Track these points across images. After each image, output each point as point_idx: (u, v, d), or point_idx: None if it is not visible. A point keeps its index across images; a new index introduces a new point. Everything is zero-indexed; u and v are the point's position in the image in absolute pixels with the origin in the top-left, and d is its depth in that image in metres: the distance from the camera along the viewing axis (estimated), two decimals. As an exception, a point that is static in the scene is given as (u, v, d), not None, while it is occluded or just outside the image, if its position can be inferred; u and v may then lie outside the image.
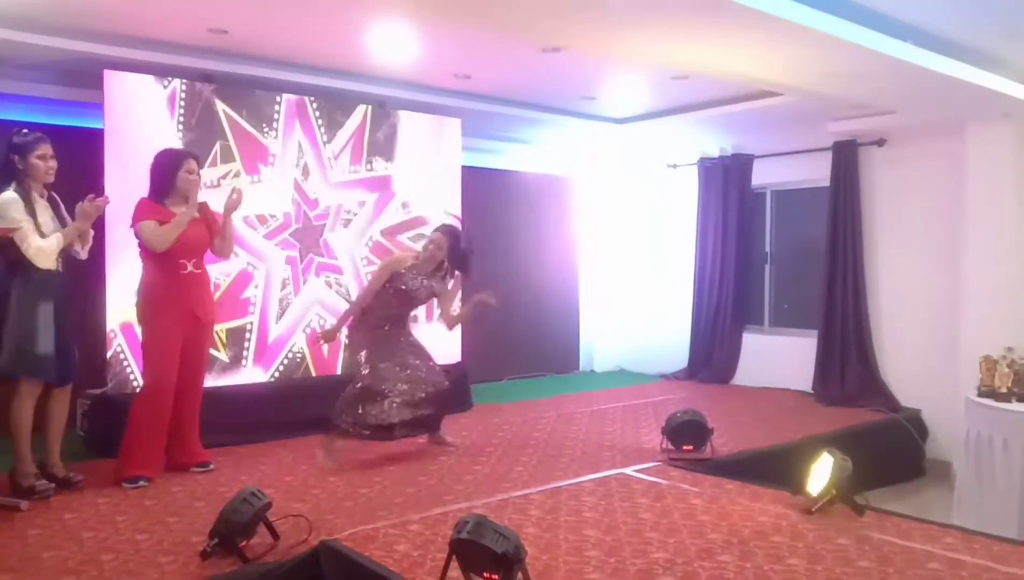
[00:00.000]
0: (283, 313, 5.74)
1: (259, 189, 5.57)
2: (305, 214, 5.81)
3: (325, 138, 5.90)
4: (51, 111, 5.38)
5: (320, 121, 5.88)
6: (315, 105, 5.84)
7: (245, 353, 5.55)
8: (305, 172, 5.81)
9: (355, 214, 6.07)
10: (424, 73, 5.71)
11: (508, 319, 7.89)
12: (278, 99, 5.67)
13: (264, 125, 5.62)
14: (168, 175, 4.30)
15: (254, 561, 3.11)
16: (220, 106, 5.39)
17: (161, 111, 5.16)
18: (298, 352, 5.79)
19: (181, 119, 5.24)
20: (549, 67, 5.44)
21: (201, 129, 5.32)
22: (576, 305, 8.82)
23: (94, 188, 4.60)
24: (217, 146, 5.39)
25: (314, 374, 5.83)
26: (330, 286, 5.96)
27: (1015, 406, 4.77)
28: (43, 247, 3.91)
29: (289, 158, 5.74)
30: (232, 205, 4.47)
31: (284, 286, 5.74)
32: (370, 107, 6.08)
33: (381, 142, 6.17)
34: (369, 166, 6.13)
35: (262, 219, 5.61)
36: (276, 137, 5.67)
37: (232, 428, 5.05)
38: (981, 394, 5.01)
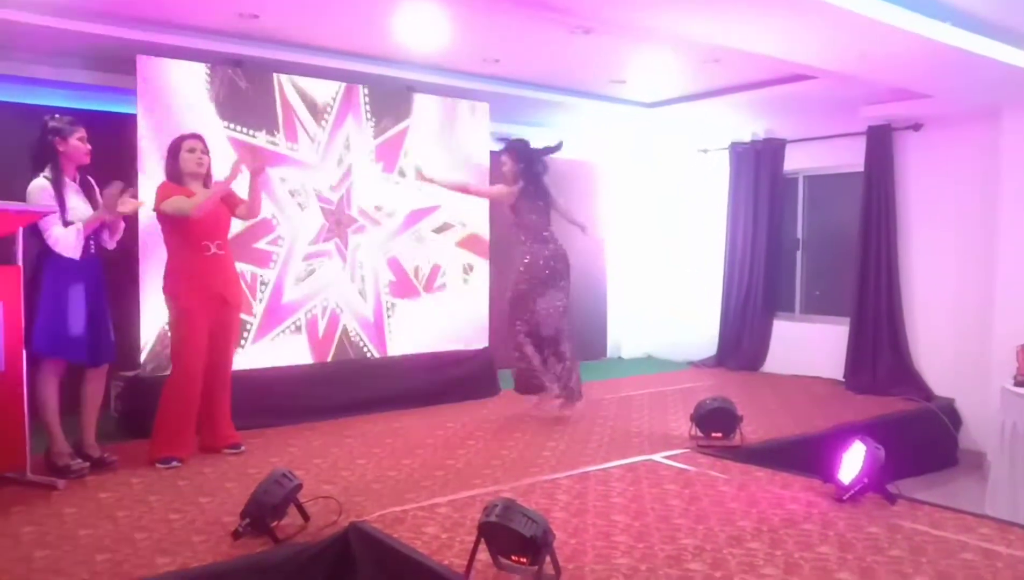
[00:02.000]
0: (306, 278, 5.70)
1: (298, 168, 5.62)
2: (334, 201, 5.84)
3: (371, 130, 5.96)
4: (84, 96, 5.44)
5: (368, 112, 5.95)
6: (366, 95, 5.92)
7: (256, 307, 5.46)
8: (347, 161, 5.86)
9: (390, 214, 6.09)
10: (453, 57, 5.69)
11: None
12: (334, 89, 5.75)
13: (312, 107, 5.70)
14: (173, 158, 4.38)
15: (285, 541, 3.14)
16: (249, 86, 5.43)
17: (194, 94, 5.20)
18: (308, 319, 5.72)
19: (213, 101, 5.27)
20: (579, 50, 5.39)
21: (235, 109, 5.36)
22: (604, 291, 8.79)
23: (127, 173, 4.67)
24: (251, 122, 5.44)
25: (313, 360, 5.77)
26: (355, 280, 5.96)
27: (1053, 396, 4.68)
28: (61, 238, 3.97)
29: (334, 141, 5.80)
30: (255, 169, 4.43)
31: (311, 255, 5.70)
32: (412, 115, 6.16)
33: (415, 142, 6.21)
34: (403, 173, 6.16)
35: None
36: (325, 120, 5.74)
37: (263, 411, 5.10)
38: (1017, 383, 4.92)
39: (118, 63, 5.11)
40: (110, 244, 4.26)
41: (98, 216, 4.07)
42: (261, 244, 5.50)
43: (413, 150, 6.16)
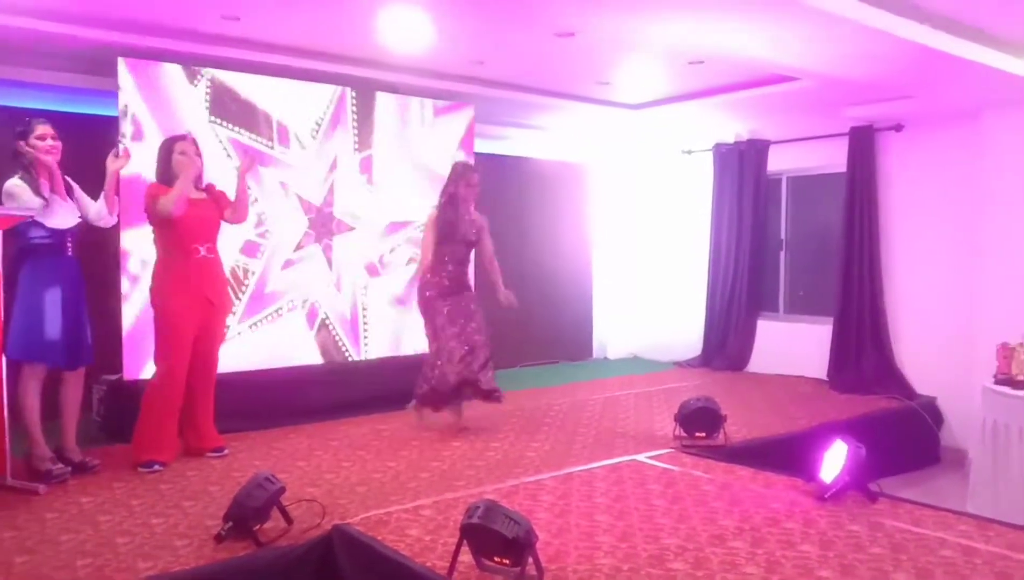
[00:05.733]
0: (287, 266, 5.70)
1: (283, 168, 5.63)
2: (318, 206, 5.83)
3: (356, 141, 5.98)
4: (67, 99, 5.41)
5: (355, 123, 5.96)
6: (354, 108, 5.94)
7: (240, 295, 5.46)
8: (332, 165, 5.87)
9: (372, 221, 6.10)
10: (437, 59, 5.68)
11: (522, 306, 7.84)
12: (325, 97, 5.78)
13: (300, 112, 5.71)
14: (164, 159, 4.37)
15: (268, 545, 3.14)
16: (239, 90, 5.42)
17: (174, 97, 5.18)
18: (289, 309, 5.72)
19: (196, 103, 5.26)
20: (563, 52, 5.40)
21: (217, 112, 5.34)
22: (590, 292, 8.81)
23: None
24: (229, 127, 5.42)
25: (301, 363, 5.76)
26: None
27: (1032, 394, 4.73)
28: (61, 213, 3.99)
29: (320, 147, 5.81)
30: (244, 168, 4.52)
31: (296, 251, 5.72)
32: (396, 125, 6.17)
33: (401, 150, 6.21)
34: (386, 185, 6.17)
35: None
36: (316, 127, 5.75)
37: (247, 414, 5.08)
38: (998, 382, 4.96)
39: (101, 65, 5.08)
40: (112, 220, 4.30)
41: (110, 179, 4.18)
42: (251, 236, 5.50)
43: (395, 160, 6.19)
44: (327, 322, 5.89)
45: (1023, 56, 4.96)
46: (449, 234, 5.06)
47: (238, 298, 5.44)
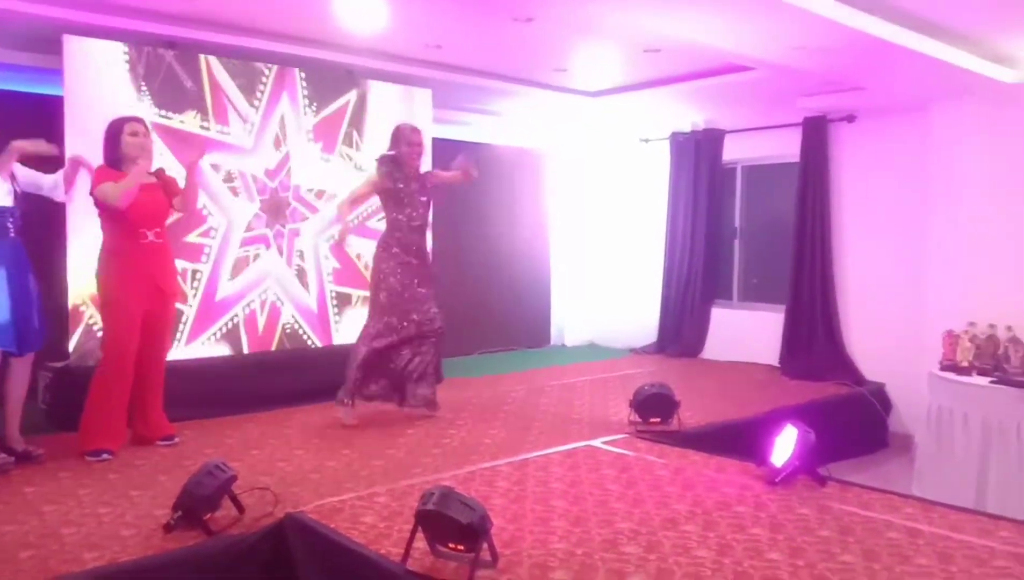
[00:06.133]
0: (240, 272, 5.58)
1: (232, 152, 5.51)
2: (271, 186, 5.73)
3: (308, 111, 5.86)
4: (11, 77, 5.24)
5: (305, 93, 5.85)
6: (303, 77, 5.83)
7: (187, 307, 5.33)
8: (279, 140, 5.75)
9: (332, 198, 5.98)
10: (394, 42, 5.62)
11: (479, 294, 7.90)
12: (266, 70, 5.63)
13: (244, 88, 5.58)
14: (113, 141, 4.25)
15: (218, 534, 3.09)
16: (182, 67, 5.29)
17: (122, 76, 5.04)
18: (246, 315, 5.61)
19: (143, 83, 5.13)
20: (521, 37, 5.38)
21: (164, 92, 5.22)
22: (547, 280, 8.83)
23: (54, 156, 4.52)
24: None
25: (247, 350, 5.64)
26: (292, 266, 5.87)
27: (976, 380, 4.87)
28: None
29: (267, 122, 5.69)
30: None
31: (246, 242, 5.60)
32: (354, 94, 6.07)
33: (355, 126, 6.11)
34: (344, 156, 6.07)
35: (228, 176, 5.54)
36: (259, 101, 5.64)
37: (199, 401, 4.99)
38: (943, 368, 5.09)
39: (45, 43, 4.92)
40: (62, 197, 4.23)
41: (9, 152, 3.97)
42: (192, 237, 5.36)
43: (354, 131, 6.10)
44: (292, 323, 5.81)
45: (970, 49, 5.07)
46: (396, 198, 4.94)
47: (187, 304, 5.30)
